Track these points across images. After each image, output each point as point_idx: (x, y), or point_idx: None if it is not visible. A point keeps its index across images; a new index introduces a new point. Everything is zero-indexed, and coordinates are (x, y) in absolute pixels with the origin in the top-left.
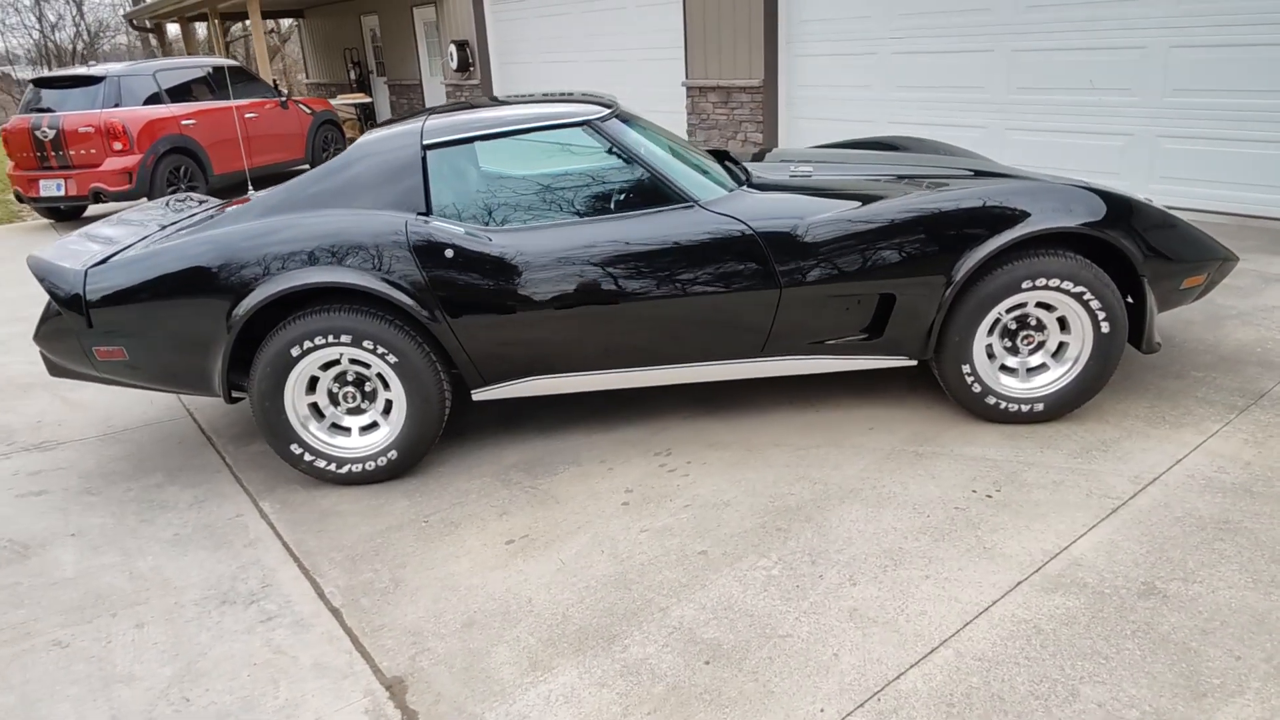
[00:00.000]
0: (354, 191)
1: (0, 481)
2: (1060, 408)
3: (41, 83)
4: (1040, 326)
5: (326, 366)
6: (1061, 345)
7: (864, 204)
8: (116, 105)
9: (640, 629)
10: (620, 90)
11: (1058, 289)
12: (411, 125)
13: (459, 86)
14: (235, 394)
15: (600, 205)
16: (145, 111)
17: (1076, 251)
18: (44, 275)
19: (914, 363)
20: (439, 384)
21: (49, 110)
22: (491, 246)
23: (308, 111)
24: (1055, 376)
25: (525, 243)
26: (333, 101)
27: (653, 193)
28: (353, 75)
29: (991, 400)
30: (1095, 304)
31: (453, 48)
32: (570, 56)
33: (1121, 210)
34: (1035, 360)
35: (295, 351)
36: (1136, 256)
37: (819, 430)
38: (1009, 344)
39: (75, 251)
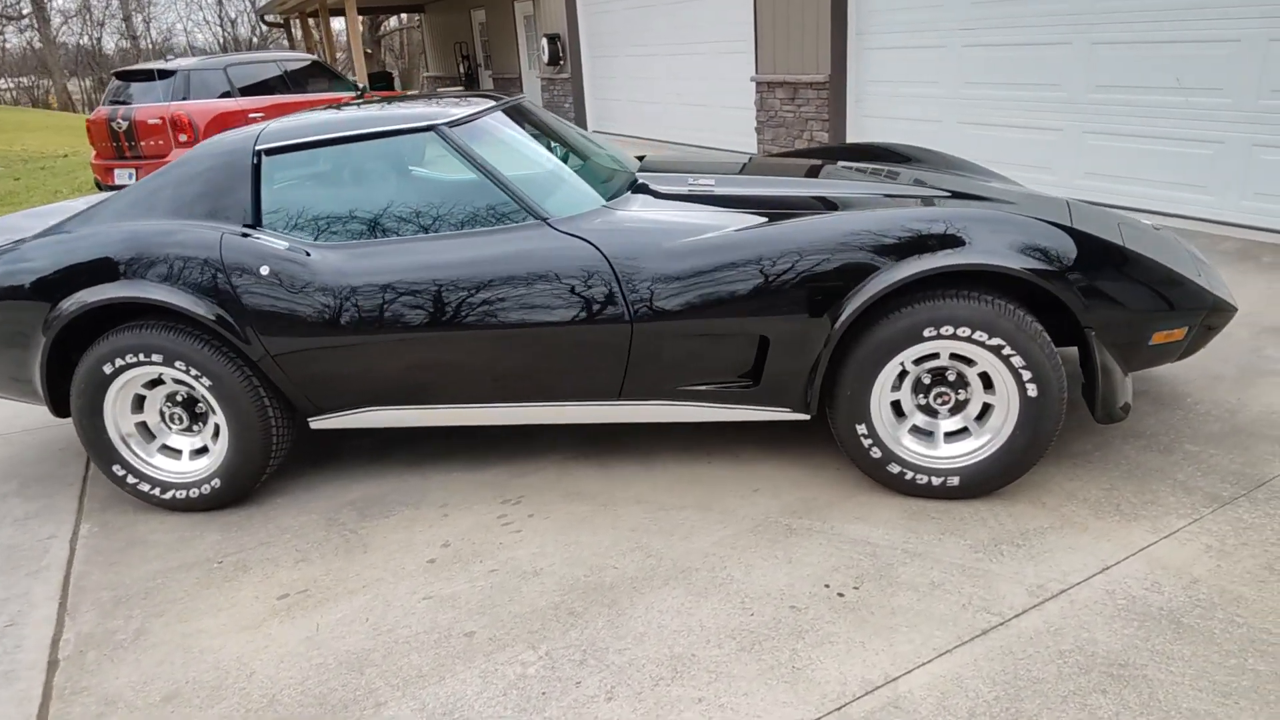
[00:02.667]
0: (188, 198)
1: None
2: (980, 484)
3: (122, 75)
4: (961, 383)
5: (153, 384)
6: (987, 407)
7: (753, 226)
8: (185, 98)
9: None
10: (695, 86)
11: (968, 339)
12: (253, 129)
13: (552, 80)
14: None
15: (440, 221)
16: (212, 105)
17: (1010, 297)
18: None
19: (805, 417)
20: (262, 410)
21: (126, 102)
22: (309, 264)
23: None
24: (975, 446)
25: (349, 262)
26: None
27: (501, 208)
28: (462, 69)
29: (894, 469)
30: (1017, 360)
31: (544, 41)
32: (653, 50)
33: (1063, 247)
34: (953, 424)
35: (108, 369)
36: (1076, 303)
37: (697, 488)
38: (923, 402)
39: None
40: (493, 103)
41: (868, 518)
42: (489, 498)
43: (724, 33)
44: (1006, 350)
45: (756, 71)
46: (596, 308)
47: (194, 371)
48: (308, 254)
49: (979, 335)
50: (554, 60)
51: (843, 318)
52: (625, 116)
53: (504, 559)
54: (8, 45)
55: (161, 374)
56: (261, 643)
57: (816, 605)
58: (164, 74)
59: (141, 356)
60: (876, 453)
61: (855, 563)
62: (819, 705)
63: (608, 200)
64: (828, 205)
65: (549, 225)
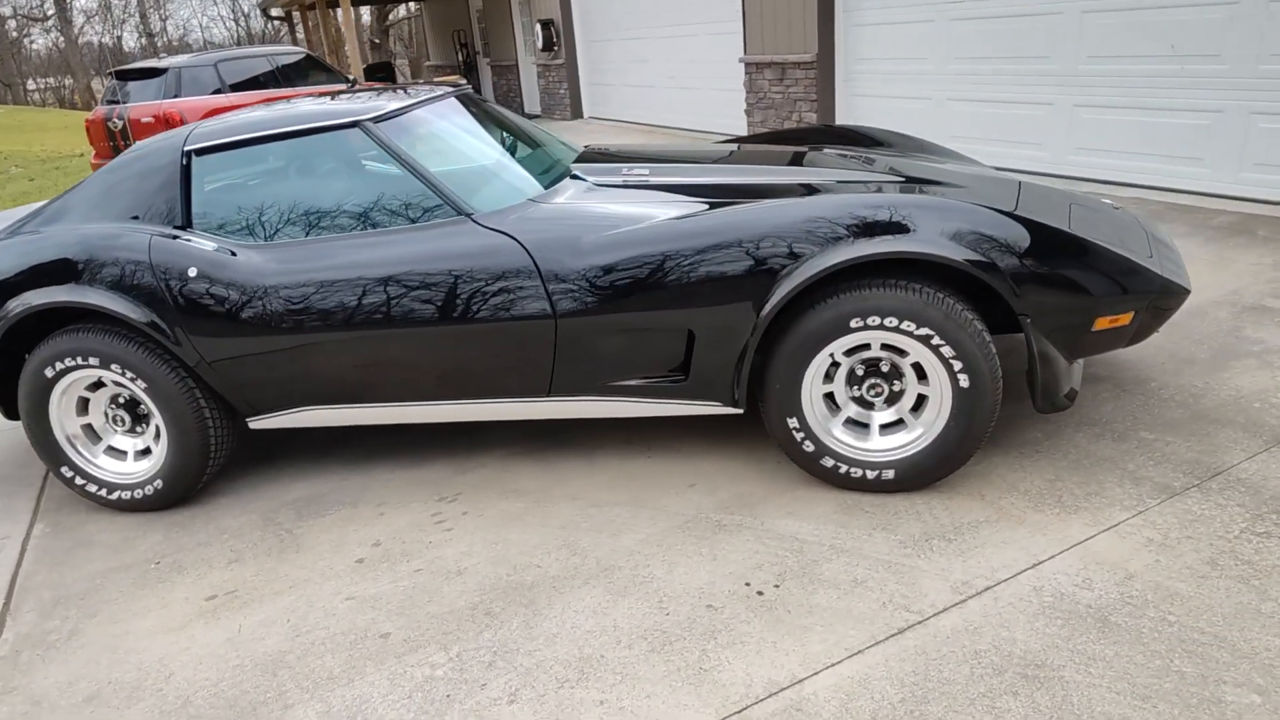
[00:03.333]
0: (121, 198)
1: None
2: (915, 478)
3: (119, 75)
4: (895, 374)
5: (96, 387)
6: (921, 399)
7: (678, 217)
8: (177, 96)
9: None
10: (687, 68)
11: (896, 329)
12: (184, 129)
13: (547, 66)
14: None
15: (366, 218)
16: (203, 102)
17: (944, 285)
18: None
19: (736, 411)
20: (198, 412)
21: (122, 101)
22: (234, 265)
23: None
24: (909, 439)
25: (272, 262)
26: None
27: (426, 204)
28: (460, 57)
29: (828, 462)
30: (947, 351)
31: (538, 27)
32: (644, 33)
33: (998, 231)
34: (887, 416)
35: (49, 373)
36: (1007, 290)
37: (632, 483)
38: (858, 394)
39: None
40: (430, 95)
41: (800, 513)
42: (426, 496)
43: (714, 13)
44: (935, 340)
45: (745, 52)
46: (520, 304)
47: (129, 374)
48: (233, 254)
49: (906, 325)
50: (548, 46)
51: (767, 308)
52: (620, 101)
53: (431, 558)
54: (34, 46)
55: (100, 377)
56: (184, 644)
57: (734, 604)
58: (156, 72)
59: (80, 360)
60: (809, 446)
61: (780, 560)
62: (720, 708)
63: (535, 194)
64: (767, 193)
65: (473, 221)
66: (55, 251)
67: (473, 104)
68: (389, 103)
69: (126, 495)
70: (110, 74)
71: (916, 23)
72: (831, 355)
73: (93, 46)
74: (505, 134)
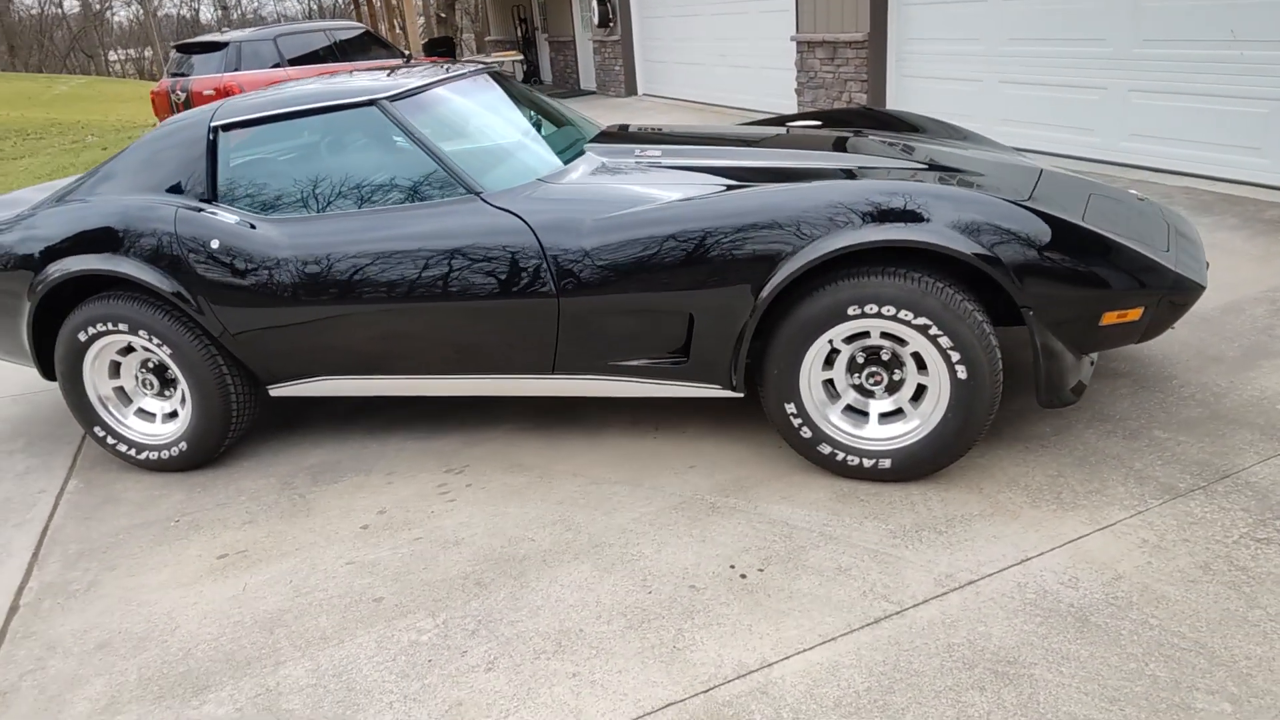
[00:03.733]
0: (156, 170)
1: None
2: (912, 468)
3: (182, 48)
4: (896, 362)
5: (126, 351)
6: (921, 389)
7: (682, 200)
8: (237, 69)
9: (234, 684)
10: (738, 46)
11: (894, 318)
12: (212, 105)
13: (603, 43)
14: None
15: (382, 195)
16: (262, 75)
17: (946, 275)
18: None
19: (737, 395)
20: (220, 378)
21: (186, 74)
22: (254, 238)
23: None
24: (907, 429)
25: (289, 235)
26: (482, 60)
27: (439, 182)
28: (519, 32)
29: (825, 449)
30: (945, 341)
31: (594, 1)
32: (697, 9)
33: (1007, 222)
34: (887, 405)
35: (82, 337)
36: (1009, 281)
37: (634, 462)
38: (858, 381)
39: None
40: (454, 73)
41: (794, 498)
42: (434, 466)
43: None
44: (933, 330)
45: (797, 30)
46: (524, 282)
47: (156, 340)
48: (252, 227)
49: (904, 314)
50: (604, 22)
51: (765, 292)
52: (673, 78)
53: (431, 528)
54: (116, 18)
55: (130, 342)
56: (193, 599)
57: (716, 586)
58: (217, 46)
59: (110, 325)
60: (807, 432)
61: (768, 544)
62: (687, 686)
63: (546, 173)
64: (779, 177)
65: (481, 200)
66: (95, 221)
67: (498, 83)
68: (409, 81)
69: (154, 455)
70: (174, 47)
71: (970, 1)
72: (830, 342)
73: (171, 19)
74: (530, 112)
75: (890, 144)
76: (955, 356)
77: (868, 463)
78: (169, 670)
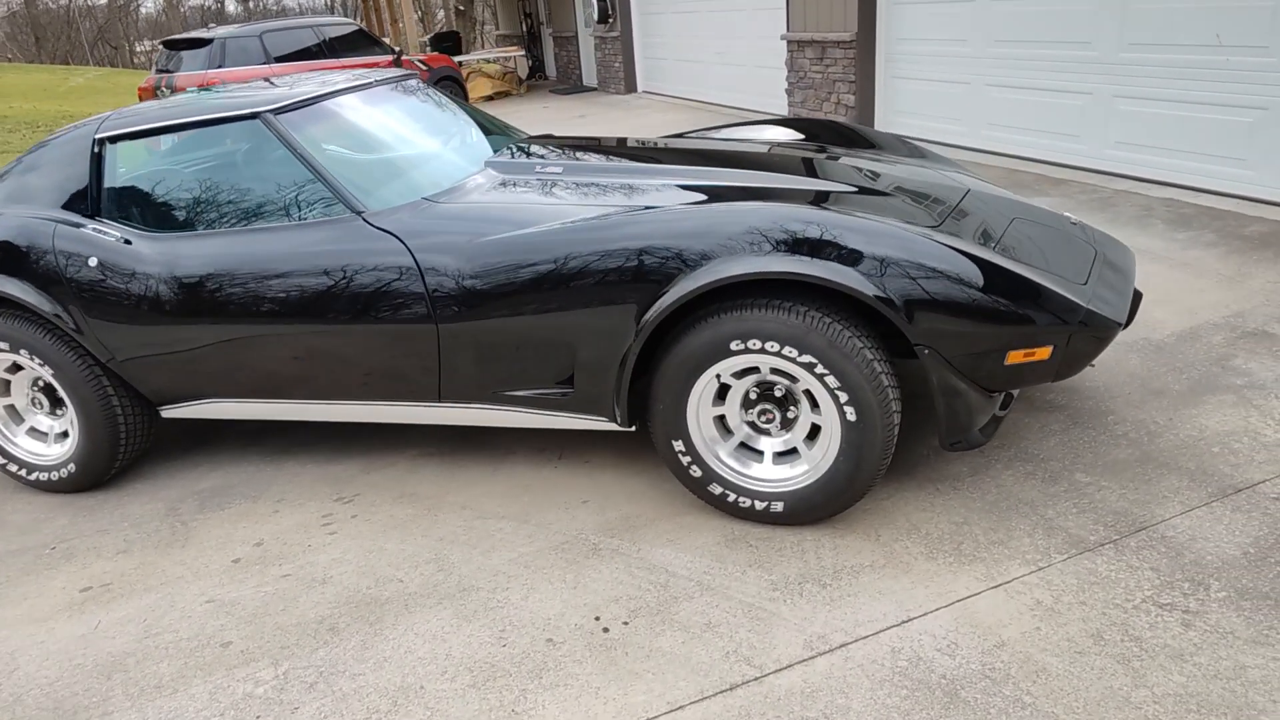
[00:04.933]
0: (38, 185)
1: None
2: (806, 512)
3: (170, 44)
4: (791, 399)
5: (15, 370)
6: (816, 428)
7: (567, 222)
8: (221, 65)
9: None
10: (734, 45)
11: (778, 354)
12: (98, 117)
13: (603, 39)
14: None
15: (264, 212)
16: (244, 72)
17: (838, 309)
18: None
19: (626, 429)
20: (105, 398)
21: (172, 70)
22: (130, 255)
23: (424, 69)
24: (799, 471)
25: (168, 253)
26: (476, 56)
27: (321, 199)
28: (524, 27)
29: (716, 489)
30: (832, 381)
31: None
32: (695, 6)
33: (900, 253)
34: (779, 444)
35: None
36: (898, 317)
37: (528, 494)
38: (750, 418)
39: None
40: (356, 83)
41: (680, 541)
42: (326, 494)
43: None
44: (819, 369)
45: (787, 29)
46: (402, 307)
47: (37, 360)
48: (128, 243)
49: (788, 351)
50: (603, 18)
51: (645, 319)
52: (672, 76)
53: (303, 563)
54: (144, 10)
55: (16, 361)
56: (41, 637)
57: (575, 640)
58: (203, 42)
59: None
60: (696, 471)
61: (641, 593)
62: None
63: (433, 192)
64: (686, 194)
65: (363, 219)
66: None
67: (411, 93)
68: (301, 91)
69: (44, 476)
70: (161, 43)
71: (959, 1)
72: (718, 377)
73: (197, 11)
74: (445, 124)
75: (806, 159)
76: (843, 397)
77: (760, 505)
78: None
